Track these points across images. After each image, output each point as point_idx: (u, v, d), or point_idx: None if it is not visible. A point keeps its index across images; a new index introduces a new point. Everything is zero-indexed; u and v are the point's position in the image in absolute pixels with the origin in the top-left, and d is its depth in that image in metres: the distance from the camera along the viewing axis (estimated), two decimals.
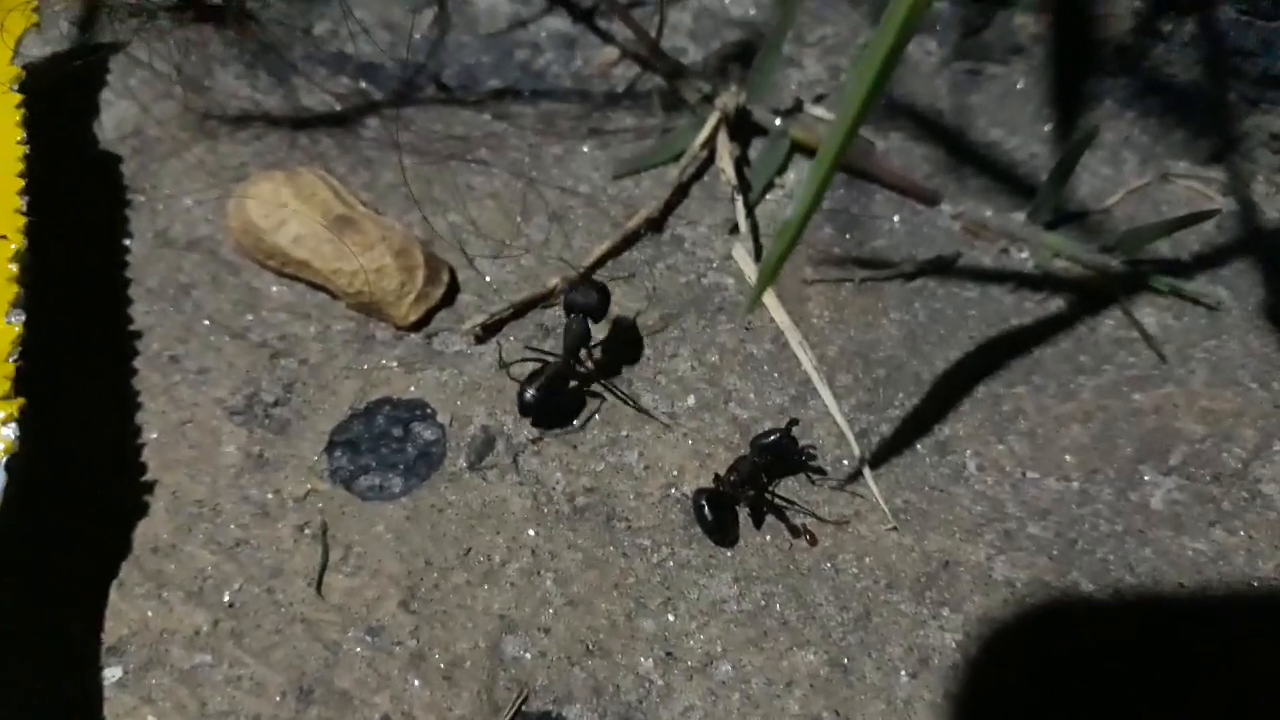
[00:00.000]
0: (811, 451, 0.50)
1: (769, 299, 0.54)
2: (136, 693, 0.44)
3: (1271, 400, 0.52)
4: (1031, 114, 0.62)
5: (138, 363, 0.53)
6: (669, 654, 0.45)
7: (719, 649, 0.45)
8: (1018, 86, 0.62)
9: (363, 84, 0.63)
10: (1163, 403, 0.52)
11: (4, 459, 0.42)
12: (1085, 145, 0.55)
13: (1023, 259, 0.57)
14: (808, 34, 0.64)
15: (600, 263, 0.56)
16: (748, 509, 0.48)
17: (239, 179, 0.58)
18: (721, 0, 0.65)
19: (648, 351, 0.53)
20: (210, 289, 0.55)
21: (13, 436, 0.43)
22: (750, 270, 0.55)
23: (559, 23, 0.65)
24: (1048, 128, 0.61)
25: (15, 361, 0.45)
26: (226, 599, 0.46)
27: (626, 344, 0.53)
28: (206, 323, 0.54)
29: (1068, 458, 0.50)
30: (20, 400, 0.44)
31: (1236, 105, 0.60)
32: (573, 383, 0.51)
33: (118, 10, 0.62)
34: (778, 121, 0.59)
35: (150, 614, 0.45)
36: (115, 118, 0.62)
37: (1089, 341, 0.54)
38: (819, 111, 0.61)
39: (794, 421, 0.49)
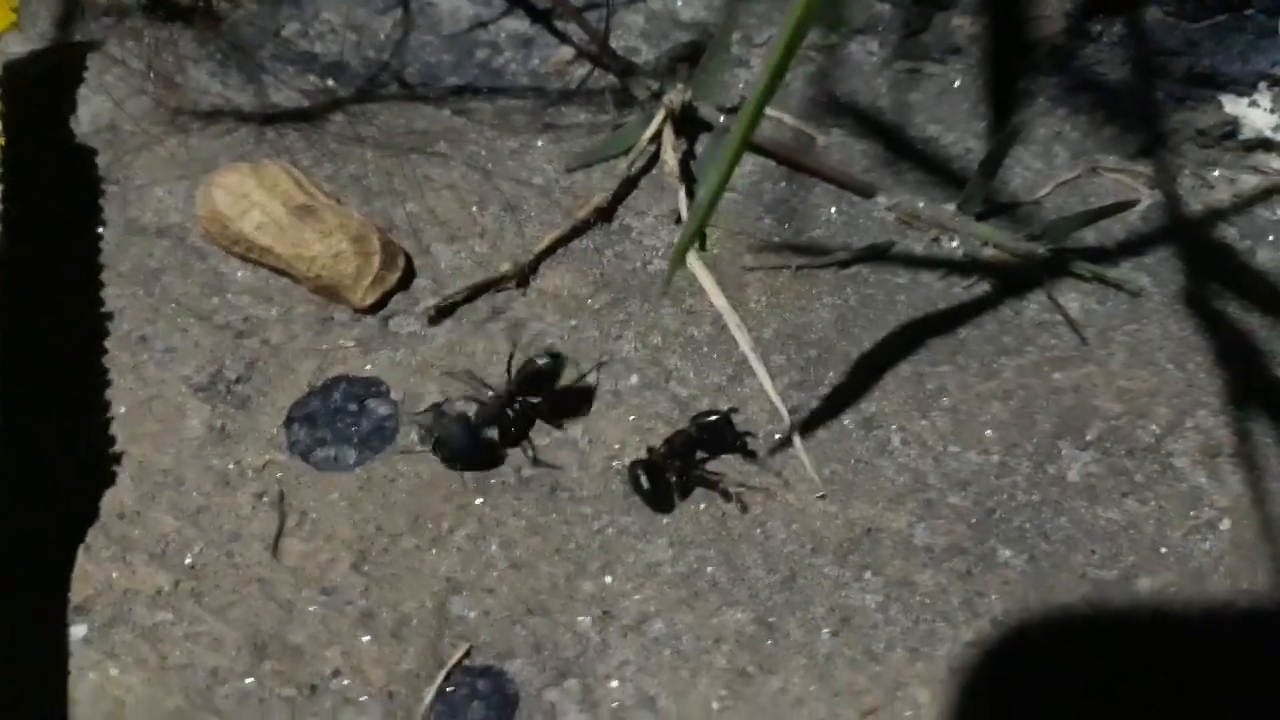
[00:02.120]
0: (749, 436, 0.53)
1: (707, 283, 0.56)
2: (100, 648, 0.46)
3: (1186, 380, 0.55)
4: (968, 111, 0.64)
5: (108, 343, 0.55)
6: (606, 613, 0.48)
7: (653, 608, 0.48)
8: (955, 85, 0.65)
9: (329, 82, 0.66)
10: (1082, 381, 0.55)
11: None
12: (1013, 139, 0.58)
13: (953, 247, 0.60)
14: (756, 35, 0.67)
15: (551, 249, 0.59)
16: (675, 479, 0.51)
17: (208, 171, 0.60)
18: (673, 3, 0.67)
19: (594, 332, 0.56)
20: (179, 274, 0.58)
21: None
22: (692, 256, 0.58)
23: (517, 24, 0.68)
24: (982, 124, 0.64)
25: None
26: (188, 561, 0.48)
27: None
28: (174, 305, 0.56)
29: (988, 433, 0.53)
30: None
31: (1164, 102, 0.63)
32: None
33: (94, 9, 0.65)
34: (722, 118, 0.62)
35: (115, 575, 0.48)
36: (90, 113, 0.65)
37: (1013, 324, 0.57)
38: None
39: (733, 409, 0.52)
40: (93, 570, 0.48)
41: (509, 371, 0.52)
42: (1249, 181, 0.62)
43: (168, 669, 0.46)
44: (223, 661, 0.46)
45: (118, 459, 0.51)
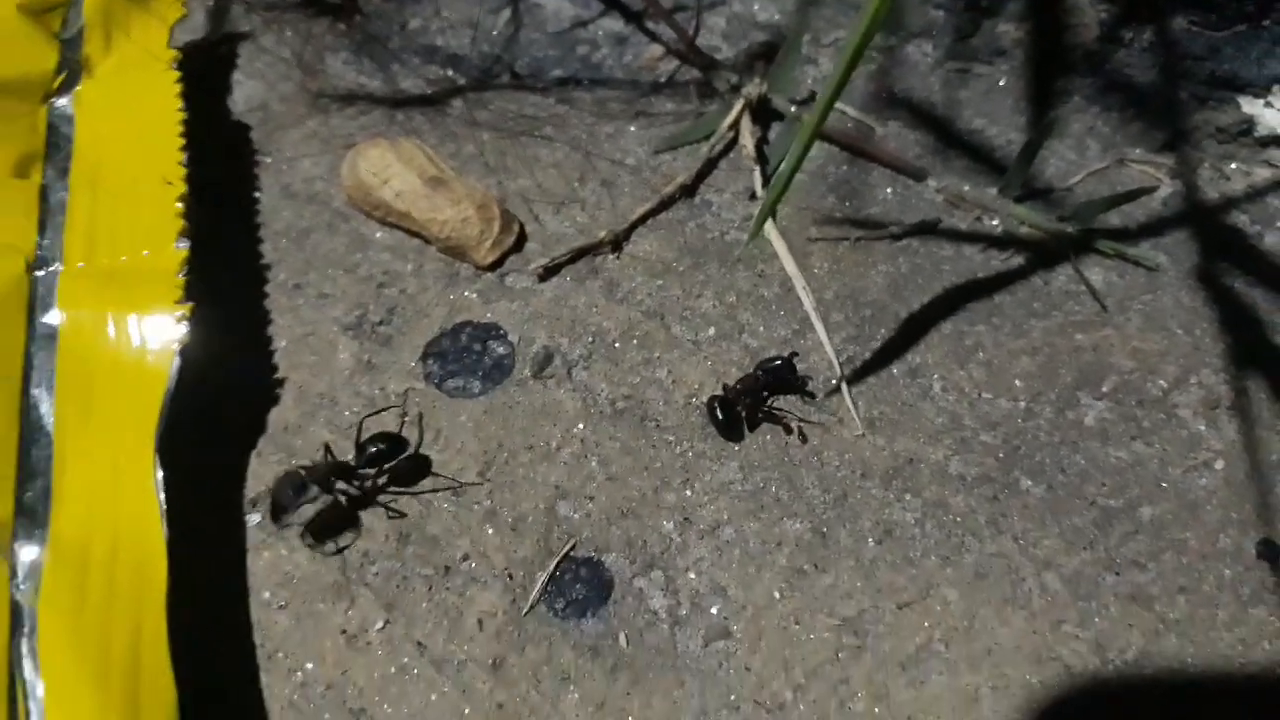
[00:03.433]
0: (808, 379, 0.62)
1: (780, 249, 0.66)
2: (269, 531, 0.57)
3: (1193, 344, 0.63)
4: (1010, 107, 0.73)
5: (268, 288, 0.65)
6: (686, 519, 0.57)
7: (725, 517, 0.57)
8: (1000, 84, 0.73)
9: (449, 71, 0.76)
10: (1100, 342, 0.63)
11: (180, 347, 0.55)
12: (1049, 131, 0.67)
13: (993, 225, 0.68)
14: (823, 36, 0.76)
15: (641, 220, 0.68)
16: (745, 414, 0.60)
17: (347, 146, 0.70)
18: (751, 6, 0.76)
19: (678, 291, 0.65)
20: (326, 233, 0.68)
21: (185, 331, 0.56)
22: (769, 225, 0.67)
23: (613, 24, 0.77)
24: (1023, 119, 0.72)
25: (185, 276, 0.58)
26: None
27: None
28: (323, 259, 0.67)
29: (1017, 383, 0.62)
30: (190, 304, 0.56)
31: (1187, 102, 0.71)
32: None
33: (253, 6, 0.76)
34: (793, 109, 0.71)
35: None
36: (245, 94, 0.75)
37: (1042, 292, 0.65)
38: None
39: (794, 354, 0.61)
40: (263, 471, 0.58)
41: (356, 446, 0.57)
42: (1262, 174, 0.70)
43: (322, 550, 0.56)
44: (373, 545, 0.56)
45: (281, 384, 0.62)
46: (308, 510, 0.56)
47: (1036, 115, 0.72)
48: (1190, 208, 0.69)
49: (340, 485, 0.56)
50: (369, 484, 0.57)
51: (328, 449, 0.57)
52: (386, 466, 0.57)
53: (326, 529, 0.57)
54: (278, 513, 0.55)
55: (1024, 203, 0.68)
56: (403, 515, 0.57)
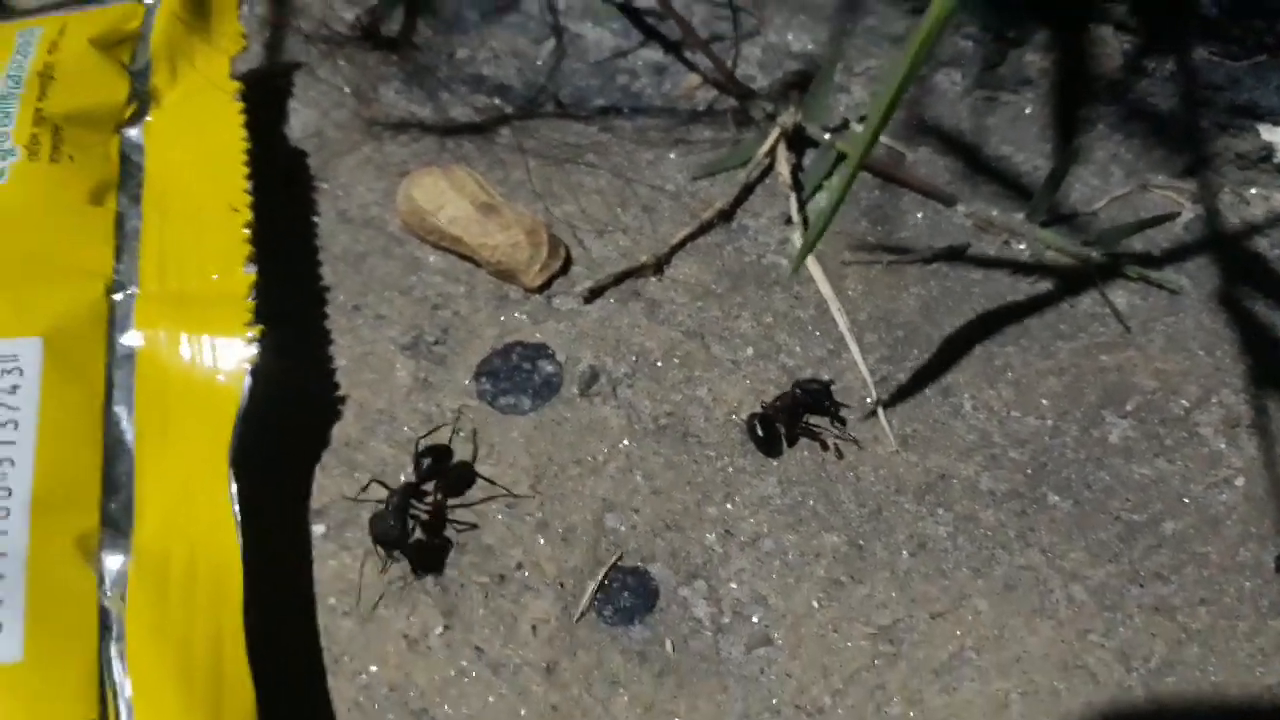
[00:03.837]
0: (843, 405, 0.64)
1: (815, 273, 0.69)
2: (336, 542, 0.60)
3: (1214, 364, 0.66)
4: (1036, 134, 0.75)
5: (328, 309, 0.69)
6: (727, 532, 0.60)
7: (765, 530, 0.60)
8: (1026, 111, 0.76)
9: (496, 100, 0.79)
10: (1124, 363, 0.66)
11: (250, 367, 0.58)
12: (1074, 158, 0.69)
13: (1021, 250, 0.71)
14: (855, 66, 0.78)
15: (681, 244, 0.71)
16: (784, 431, 0.63)
17: (401, 173, 0.74)
18: (785, 36, 0.79)
19: (717, 312, 0.68)
20: (381, 257, 0.71)
21: (255, 352, 0.59)
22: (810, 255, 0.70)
23: (653, 54, 0.80)
24: (1049, 146, 0.75)
25: (253, 299, 0.61)
26: (402, 479, 0.62)
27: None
28: (379, 282, 0.70)
29: (1044, 402, 0.64)
30: (260, 327, 0.60)
31: (1208, 129, 0.73)
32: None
33: (312, 38, 0.79)
34: (827, 136, 0.74)
35: (345, 488, 0.61)
36: (301, 122, 0.78)
37: (1069, 315, 0.68)
38: (861, 129, 0.76)
39: (831, 381, 0.64)
40: (328, 484, 0.62)
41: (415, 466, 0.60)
42: None
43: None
44: None
45: (343, 400, 0.65)
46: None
47: (1061, 142, 0.75)
48: (1211, 232, 0.72)
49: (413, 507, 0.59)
50: (436, 498, 0.60)
51: (381, 483, 0.61)
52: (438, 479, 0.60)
53: (428, 554, 0.59)
54: (391, 547, 0.58)
55: (1050, 227, 0.71)
56: (474, 526, 0.60)
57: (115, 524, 0.54)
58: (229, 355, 0.59)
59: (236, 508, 0.54)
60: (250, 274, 0.61)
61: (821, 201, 0.73)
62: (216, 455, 0.56)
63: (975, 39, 0.75)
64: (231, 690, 0.50)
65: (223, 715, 0.49)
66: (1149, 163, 0.74)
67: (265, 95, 0.79)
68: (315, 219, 0.73)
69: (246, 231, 0.63)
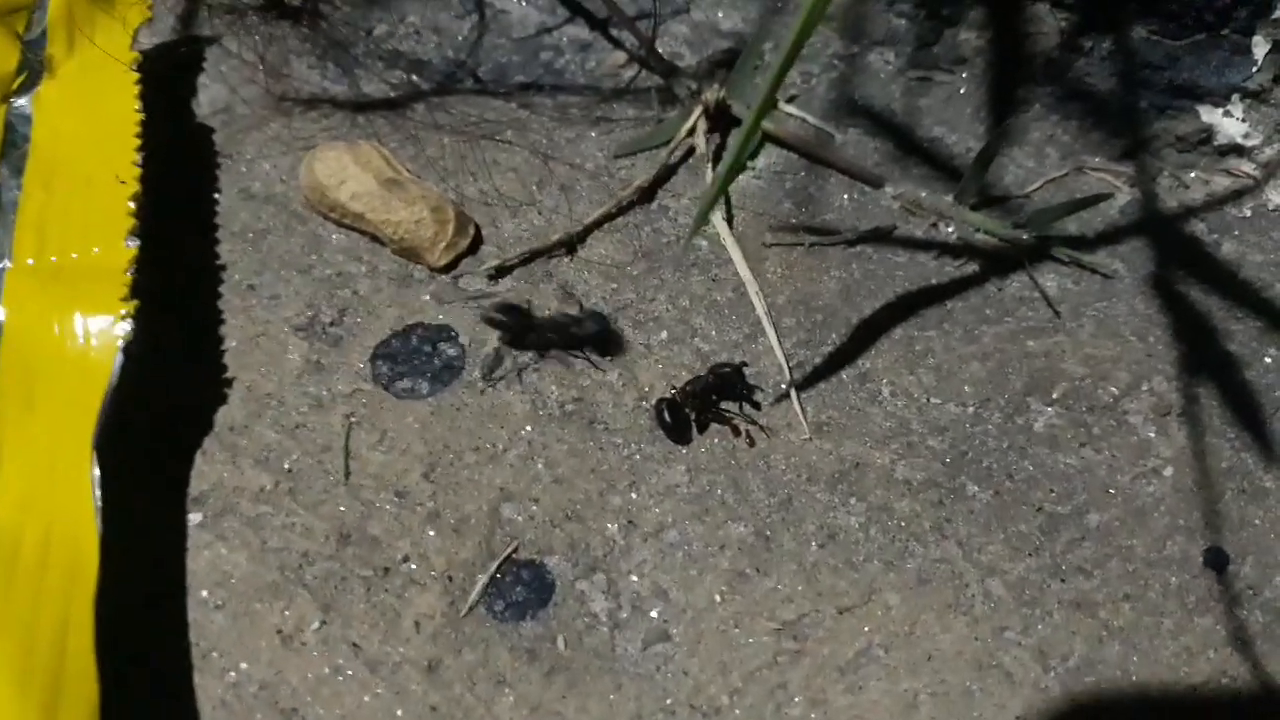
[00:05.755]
0: (755, 388, 0.61)
1: (734, 254, 0.66)
2: (212, 532, 0.56)
3: (1146, 350, 0.63)
4: (970, 115, 0.73)
5: (222, 289, 0.65)
6: (630, 522, 0.57)
7: (670, 520, 0.57)
8: (960, 91, 0.73)
9: (412, 76, 0.76)
10: (1052, 348, 0.63)
11: (123, 343, 0.55)
12: (1004, 138, 0.67)
13: (949, 233, 0.68)
14: (785, 44, 0.76)
15: (598, 224, 0.68)
16: (694, 416, 0.60)
17: (308, 149, 0.70)
18: (714, 14, 0.76)
19: (631, 294, 0.65)
20: (282, 234, 0.68)
21: (130, 329, 0.56)
22: (723, 231, 0.67)
23: (578, 30, 0.77)
24: (983, 127, 0.72)
25: (132, 274, 0.58)
26: (286, 466, 0.58)
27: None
28: (278, 260, 0.66)
29: (966, 388, 0.62)
30: (135, 302, 0.56)
31: (1147, 111, 0.71)
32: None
33: (216, 9, 0.76)
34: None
35: (225, 475, 0.58)
36: (209, 97, 0.75)
37: (995, 299, 0.65)
38: (789, 109, 0.73)
39: (744, 363, 0.61)
40: (207, 470, 0.58)
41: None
42: (1221, 183, 0.70)
43: (267, 550, 0.56)
44: (312, 546, 0.56)
45: (230, 383, 0.61)
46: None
47: (996, 123, 0.72)
48: (1148, 216, 0.69)
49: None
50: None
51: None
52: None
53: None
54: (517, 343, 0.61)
55: (980, 210, 0.68)
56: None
57: None
58: (101, 331, 0.56)
59: (99, 491, 0.51)
60: (131, 248, 0.59)
61: (744, 181, 0.70)
62: (81, 436, 0.53)
63: (908, 16, 0.72)
64: (73, 686, 0.46)
65: (59, 712, 0.45)
66: (1086, 145, 0.71)
67: (173, 69, 0.76)
68: (216, 195, 0.70)
69: (131, 205, 0.60)
